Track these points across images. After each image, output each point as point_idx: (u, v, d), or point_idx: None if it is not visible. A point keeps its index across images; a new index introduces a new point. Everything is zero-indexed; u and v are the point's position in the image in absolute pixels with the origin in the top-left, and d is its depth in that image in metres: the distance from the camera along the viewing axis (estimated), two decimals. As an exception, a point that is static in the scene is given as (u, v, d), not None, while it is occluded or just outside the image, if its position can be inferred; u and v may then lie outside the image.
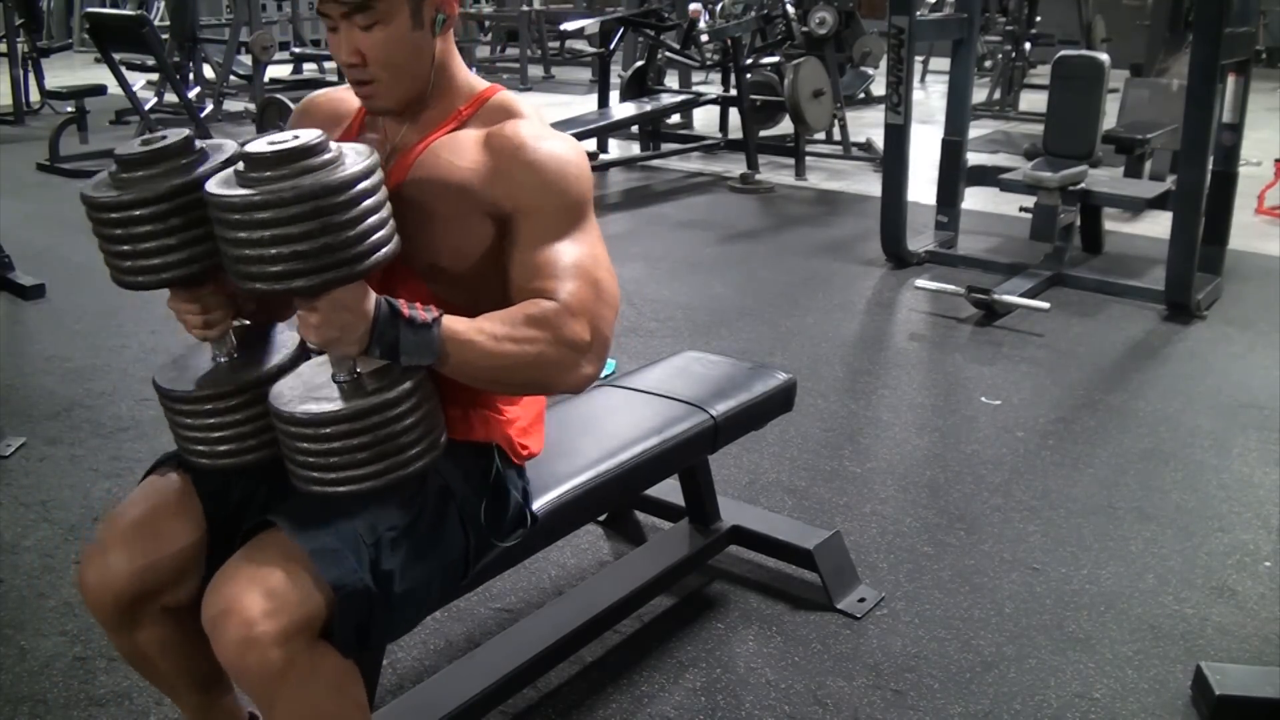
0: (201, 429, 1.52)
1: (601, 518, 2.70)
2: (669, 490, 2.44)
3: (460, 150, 1.55)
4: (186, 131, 1.48)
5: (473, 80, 1.63)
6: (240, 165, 1.36)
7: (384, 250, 1.38)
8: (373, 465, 1.42)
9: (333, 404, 1.42)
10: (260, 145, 1.35)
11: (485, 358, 1.43)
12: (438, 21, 1.54)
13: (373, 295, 1.39)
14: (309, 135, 1.36)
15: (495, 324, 1.44)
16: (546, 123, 1.60)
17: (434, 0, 1.53)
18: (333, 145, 1.38)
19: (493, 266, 1.54)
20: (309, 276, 1.32)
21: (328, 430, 1.41)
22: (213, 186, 1.35)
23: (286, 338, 1.64)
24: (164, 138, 1.46)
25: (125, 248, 1.44)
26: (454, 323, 1.42)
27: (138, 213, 1.41)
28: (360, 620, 1.43)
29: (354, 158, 1.37)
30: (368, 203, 1.35)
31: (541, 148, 1.53)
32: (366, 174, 1.35)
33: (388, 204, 1.40)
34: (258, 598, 1.35)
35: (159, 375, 1.57)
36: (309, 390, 1.46)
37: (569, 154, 1.55)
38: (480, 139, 1.55)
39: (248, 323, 1.65)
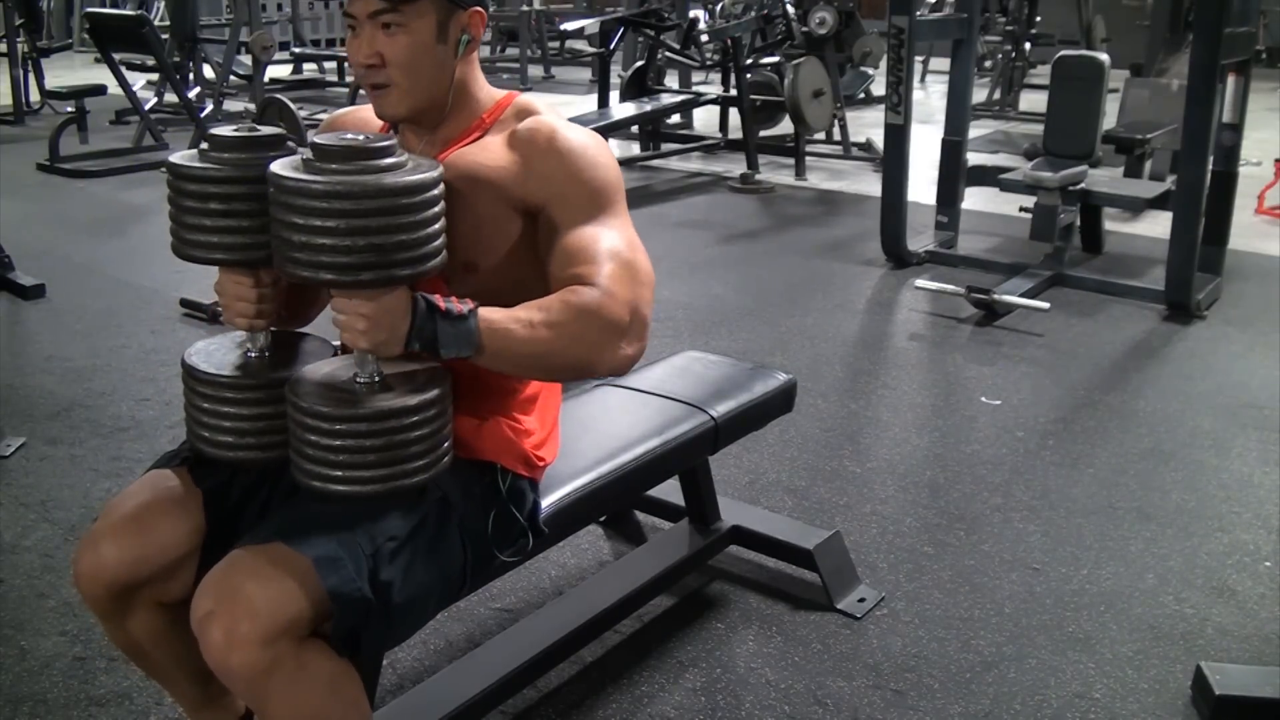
0: (214, 414, 1.54)
1: (601, 518, 2.70)
2: (669, 490, 2.44)
3: (487, 152, 1.58)
4: (283, 130, 1.54)
5: (492, 91, 1.66)
6: (309, 154, 1.39)
7: (441, 257, 1.44)
8: (377, 469, 1.43)
9: (352, 402, 1.43)
10: (330, 138, 1.41)
11: (523, 344, 1.43)
12: (462, 42, 1.56)
13: (410, 293, 1.41)
14: (378, 136, 1.42)
15: (532, 311, 1.45)
16: (564, 117, 1.62)
17: (461, 20, 1.55)
18: (401, 151, 1.43)
19: (523, 263, 1.56)
20: (377, 270, 1.35)
21: (341, 427, 1.41)
22: (278, 168, 1.39)
23: (315, 346, 1.65)
24: (257, 129, 1.51)
25: (195, 220, 1.48)
26: (490, 313, 1.43)
27: (213, 189, 1.46)
28: (355, 627, 1.43)
29: (423, 165, 1.43)
30: (434, 210, 1.41)
31: (570, 137, 1.56)
32: (436, 182, 1.41)
33: (444, 216, 1.45)
34: (241, 599, 1.36)
35: (188, 354, 1.59)
36: (330, 385, 1.47)
37: (594, 144, 1.59)
38: (505, 139, 1.58)
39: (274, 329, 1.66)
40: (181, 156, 1.50)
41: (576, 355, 1.47)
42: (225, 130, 1.50)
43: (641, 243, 1.57)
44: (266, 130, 1.51)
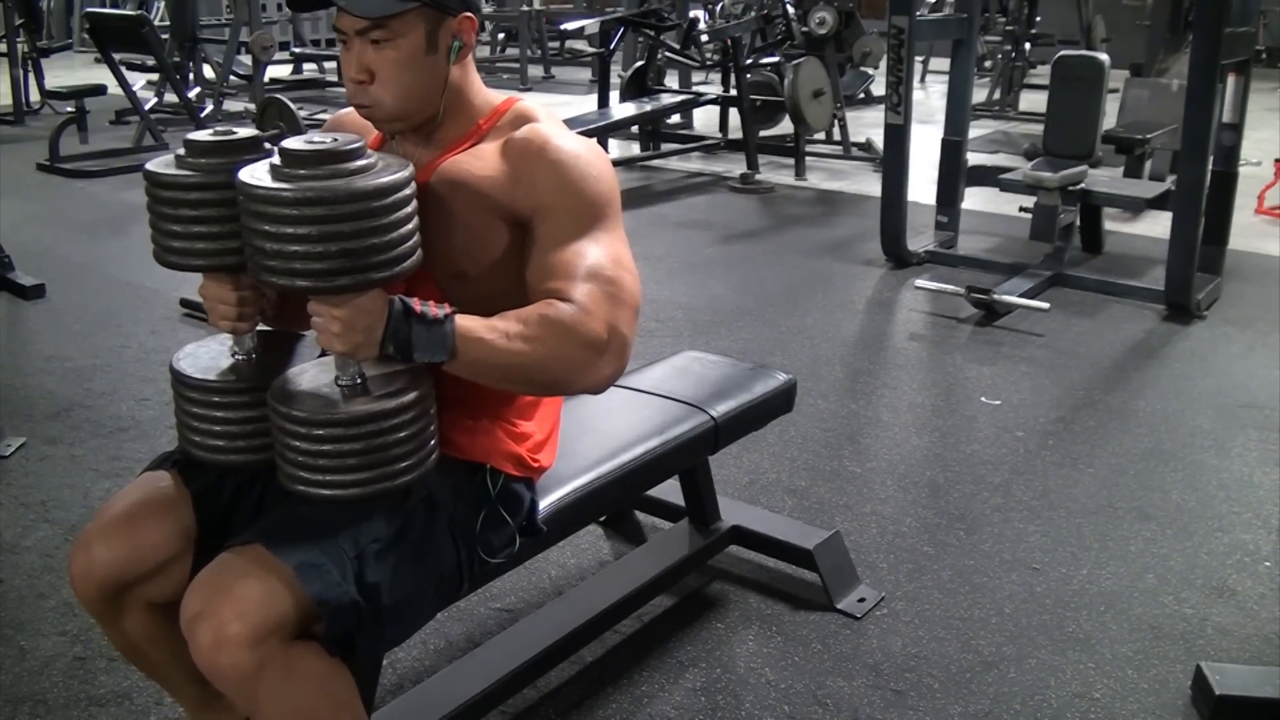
0: (203, 419, 1.54)
1: (601, 518, 2.69)
2: (669, 490, 2.44)
3: (479, 160, 1.56)
4: (257, 132, 1.52)
5: (490, 96, 1.64)
6: (277, 160, 1.38)
7: (415, 257, 1.42)
8: (360, 473, 1.42)
9: (331, 406, 1.42)
10: (298, 142, 1.39)
11: (497, 355, 1.42)
12: (453, 49, 1.54)
13: (385, 296, 1.40)
14: (347, 139, 1.40)
15: (509, 323, 1.44)
16: (563, 126, 1.60)
17: (451, 27, 1.53)
18: (369, 152, 1.41)
19: (511, 273, 1.55)
20: (353, 275, 1.34)
21: (321, 432, 1.41)
22: (246, 176, 1.37)
23: (305, 347, 1.64)
24: (233, 132, 1.50)
25: (174, 227, 1.47)
26: (467, 321, 1.42)
27: (192, 195, 1.45)
28: (347, 630, 1.43)
29: (393, 166, 1.41)
30: (406, 210, 1.39)
31: (562, 147, 1.54)
32: (407, 182, 1.40)
33: (416, 215, 1.44)
34: (229, 601, 1.36)
35: (176, 359, 1.58)
36: (310, 389, 1.46)
37: (588, 154, 1.56)
38: (499, 146, 1.56)
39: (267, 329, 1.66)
40: (158, 163, 1.49)
41: (551, 370, 1.46)
42: (201, 135, 1.49)
43: (631, 260, 1.54)
44: (243, 133, 1.49)
